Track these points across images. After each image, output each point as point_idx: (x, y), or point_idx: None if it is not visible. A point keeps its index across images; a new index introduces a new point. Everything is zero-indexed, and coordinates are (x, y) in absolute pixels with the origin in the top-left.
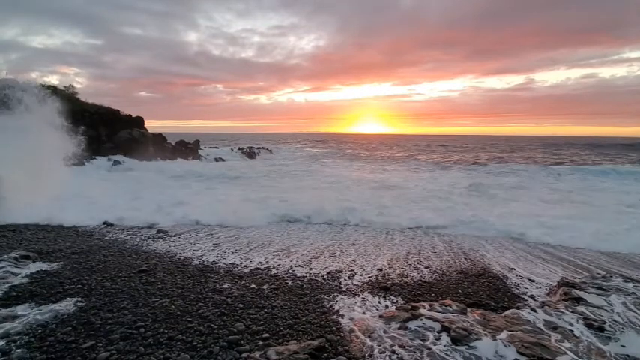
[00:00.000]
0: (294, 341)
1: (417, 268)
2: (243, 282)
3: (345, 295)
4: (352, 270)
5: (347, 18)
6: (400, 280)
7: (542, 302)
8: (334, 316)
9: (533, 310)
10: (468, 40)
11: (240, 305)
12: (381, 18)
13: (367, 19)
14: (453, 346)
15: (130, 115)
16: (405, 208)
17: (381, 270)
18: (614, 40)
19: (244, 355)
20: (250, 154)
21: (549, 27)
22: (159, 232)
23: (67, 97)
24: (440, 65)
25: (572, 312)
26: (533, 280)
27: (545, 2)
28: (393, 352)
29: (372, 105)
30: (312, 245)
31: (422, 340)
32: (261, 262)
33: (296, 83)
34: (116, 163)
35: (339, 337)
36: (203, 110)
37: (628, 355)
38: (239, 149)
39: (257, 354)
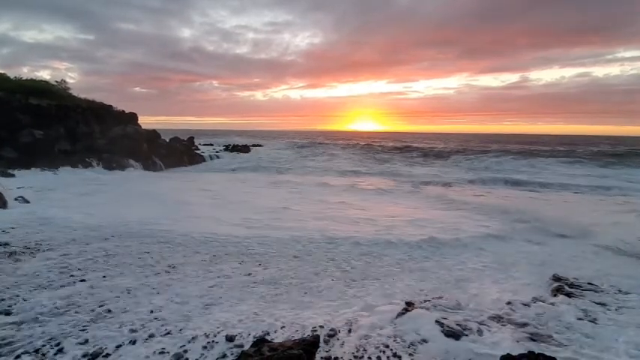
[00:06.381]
0: None
1: None
2: None
3: None
4: None
5: (342, 16)
6: None
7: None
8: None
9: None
10: (463, 39)
11: None
12: (376, 16)
13: (362, 17)
14: (447, 340)
15: (124, 111)
16: None
17: None
18: (608, 40)
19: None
20: (245, 151)
21: (544, 27)
22: None
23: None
24: (435, 63)
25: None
26: None
27: (540, 2)
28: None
29: (367, 102)
30: None
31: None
32: None
33: (291, 80)
34: None
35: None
36: (199, 106)
37: (620, 350)
38: (233, 147)
39: (251, 350)
